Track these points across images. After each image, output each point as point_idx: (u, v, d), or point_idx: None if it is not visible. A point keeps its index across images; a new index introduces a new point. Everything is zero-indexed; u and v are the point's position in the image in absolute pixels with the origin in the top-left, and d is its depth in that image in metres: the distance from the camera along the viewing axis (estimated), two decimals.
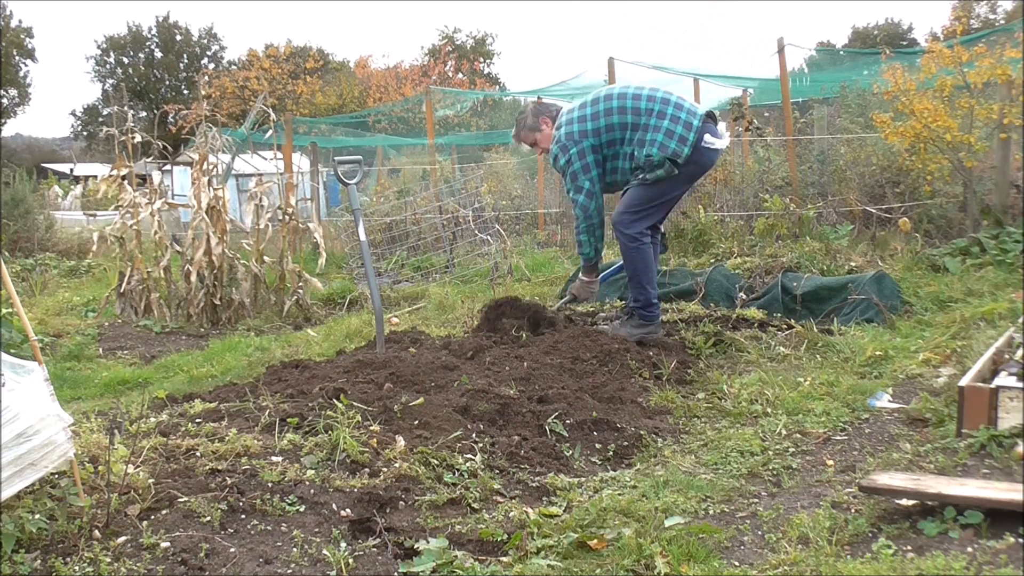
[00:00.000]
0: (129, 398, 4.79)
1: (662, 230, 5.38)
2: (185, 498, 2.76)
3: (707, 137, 4.86)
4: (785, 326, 5.29)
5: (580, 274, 5.40)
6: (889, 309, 5.33)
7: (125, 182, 7.90)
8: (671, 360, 4.66)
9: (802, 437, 3.62)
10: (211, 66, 44.09)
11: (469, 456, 3.35)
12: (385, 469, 3.12)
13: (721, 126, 5.11)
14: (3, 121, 41.99)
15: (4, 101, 40.90)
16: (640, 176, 4.91)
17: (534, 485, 3.23)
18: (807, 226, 7.81)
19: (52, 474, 2.66)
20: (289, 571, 2.48)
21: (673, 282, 6.43)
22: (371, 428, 3.41)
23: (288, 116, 14.54)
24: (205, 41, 45.71)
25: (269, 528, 2.68)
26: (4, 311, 6.30)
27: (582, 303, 5.95)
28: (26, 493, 2.60)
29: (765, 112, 16.10)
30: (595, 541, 2.68)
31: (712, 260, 7.33)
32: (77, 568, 2.41)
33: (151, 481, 2.86)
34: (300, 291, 7.73)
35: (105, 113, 42.13)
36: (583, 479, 3.32)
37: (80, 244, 11.60)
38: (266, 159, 10.49)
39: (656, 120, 4.85)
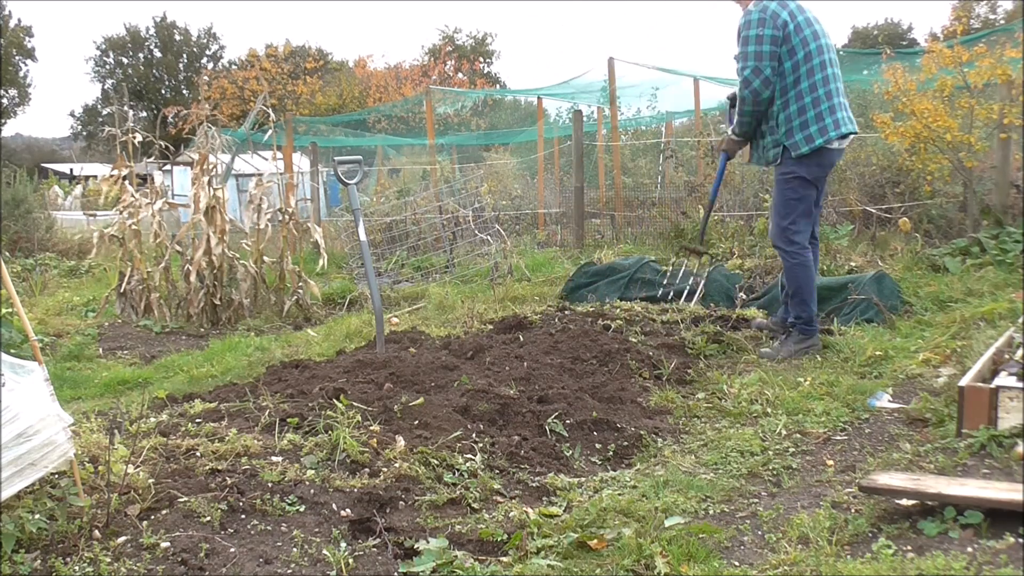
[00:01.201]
0: (129, 398, 4.79)
1: (817, 236, 5.07)
2: (185, 498, 2.76)
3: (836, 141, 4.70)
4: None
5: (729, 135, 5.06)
6: (889, 309, 5.33)
7: (126, 182, 7.91)
8: (671, 360, 4.66)
9: (802, 437, 3.62)
10: (210, 66, 44.11)
11: (469, 456, 3.35)
12: (385, 469, 3.12)
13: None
14: (3, 121, 42.00)
15: (4, 101, 40.89)
16: (769, 162, 4.80)
17: (534, 485, 3.23)
18: None
19: (52, 474, 2.66)
20: (289, 571, 2.49)
21: (673, 282, 6.44)
22: (371, 428, 3.42)
23: (288, 116, 14.55)
24: (204, 41, 45.70)
25: (269, 528, 2.68)
26: (4, 311, 6.31)
27: (586, 303, 5.95)
28: (26, 493, 2.60)
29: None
30: (595, 541, 2.68)
31: (712, 260, 7.33)
32: (77, 568, 2.41)
33: (151, 481, 2.86)
34: (300, 291, 7.74)
35: (105, 113, 42.16)
36: (583, 479, 3.32)
37: (80, 244, 11.60)
38: (266, 159, 10.50)
39: (823, 93, 4.64)
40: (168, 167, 18.58)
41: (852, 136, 4.82)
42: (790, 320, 4.90)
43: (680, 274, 6.53)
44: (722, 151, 5.29)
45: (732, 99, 5.06)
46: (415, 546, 2.67)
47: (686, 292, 6.28)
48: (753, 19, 4.64)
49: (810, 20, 4.71)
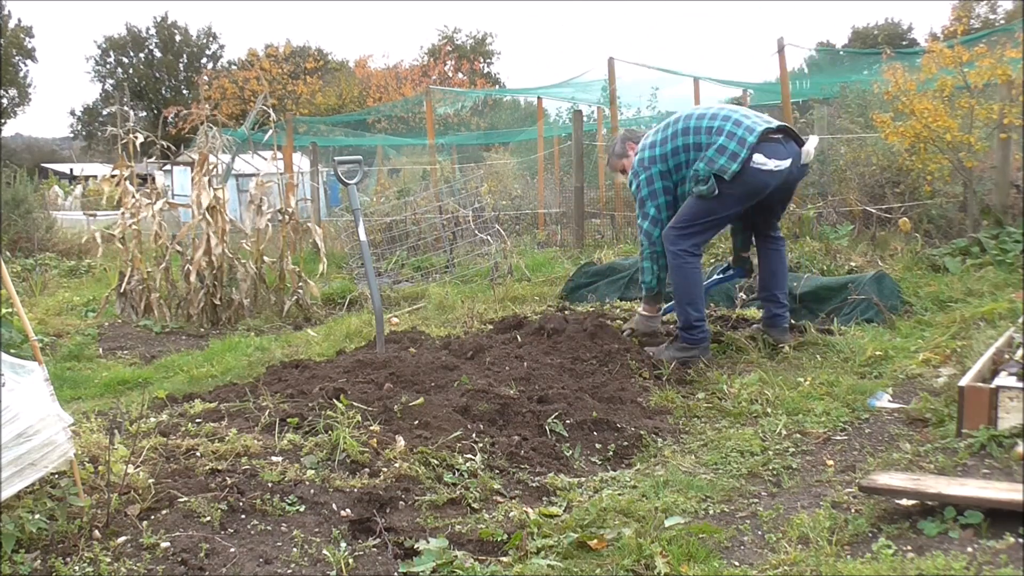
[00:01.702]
0: (129, 398, 4.79)
1: (776, 235, 5.07)
2: (185, 498, 2.76)
3: (756, 156, 4.55)
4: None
5: (641, 306, 5.13)
6: (889, 309, 5.33)
7: (127, 182, 7.91)
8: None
9: (802, 437, 3.62)
10: (210, 66, 44.11)
11: (469, 456, 3.35)
12: (385, 469, 3.12)
13: (810, 142, 4.78)
14: (3, 121, 42.01)
15: (4, 101, 40.90)
16: (691, 191, 4.76)
17: (534, 485, 3.23)
18: (807, 226, 7.81)
19: (52, 474, 2.66)
20: (289, 571, 2.48)
21: None
22: (371, 428, 3.42)
23: (288, 116, 14.55)
24: (204, 41, 45.72)
25: (269, 528, 2.68)
26: (4, 311, 6.31)
27: (585, 303, 5.95)
28: (26, 493, 2.60)
29: (765, 112, 16.07)
30: (595, 541, 2.68)
31: (712, 260, 7.33)
32: (77, 568, 2.41)
33: (151, 481, 2.87)
34: (300, 291, 7.74)
35: (105, 113, 42.16)
36: (583, 479, 3.32)
37: (80, 244, 11.60)
38: (266, 159, 10.50)
39: (715, 137, 4.65)
40: (168, 167, 18.58)
41: (797, 158, 4.70)
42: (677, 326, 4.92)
43: None
44: (628, 333, 5.12)
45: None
46: (415, 546, 2.67)
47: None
48: (630, 178, 5.00)
49: (666, 125, 4.92)
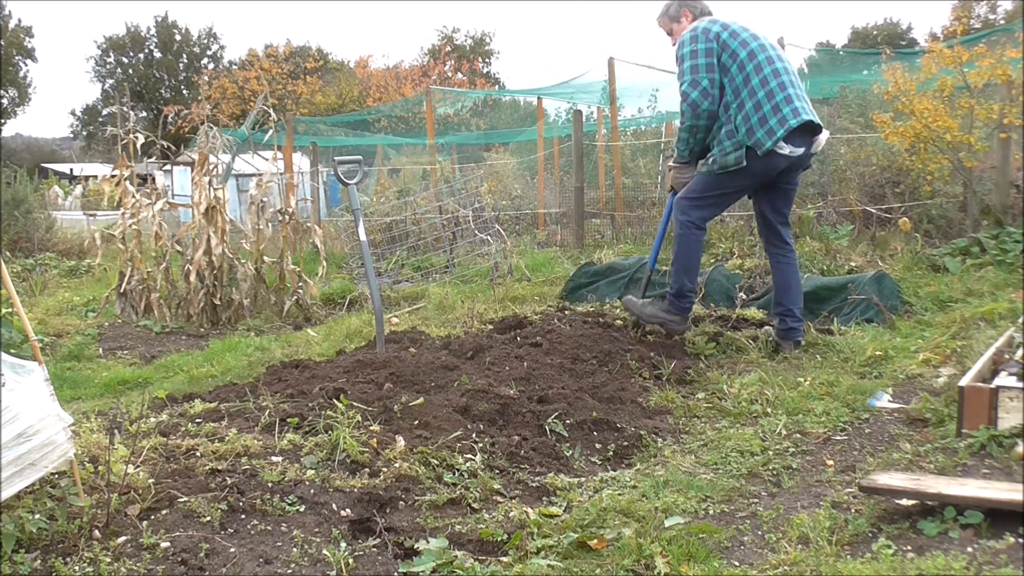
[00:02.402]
0: (129, 398, 4.79)
1: (789, 242, 5.03)
2: (185, 498, 2.76)
3: (782, 142, 4.56)
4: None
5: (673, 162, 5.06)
6: (889, 309, 5.33)
7: (127, 182, 7.91)
8: (671, 360, 4.66)
9: (802, 437, 3.62)
10: (210, 66, 44.11)
11: (469, 456, 3.35)
12: (385, 469, 3.12)
13: (824, 133, 4.76)
14: (3, 121, 42.01)
15: (4, 101, 40.90)
16: (711, 159, 4.68)
17: (534, 485, 3.23)
18: (807, 226, 7.81)
19: (52, 474, 2.66)
20: (289, 571, 2.48)
21: None
22: (371, 428, 3.42)
23: (288, 116, 14.55)
24: (205, 41, 45.72)
25: (269, 528, 2.68)
26: (4, 311, 6.31)
27: (584, 304, 5.94)
28: (26, 493, 2.60)
29: None
30: (595, 541, 2.68)
31: (712, 260, 7.33)
32: (77, 568, 2.41)
33: (151, 481, 2.86)
34: (300, 291, 7.74)
35: (105, 113, 42.14)
36: (583, 479, 3.32)
37: (80, 244, 11.60)
38: (266, 159, 10.50)
39: (764, 94, 4.53)
40: (168, 167, 18.58)
41: (810, 146, 4.68)
42: (667, 290, 4.94)
43: None
44: (669, 190, 5.16)
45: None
46: (415, 546, 2.67)
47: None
48: (685, 39, 4.74)
49: (744, 27, 4.76)
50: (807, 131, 4.67)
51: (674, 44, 4.97)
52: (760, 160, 4.57)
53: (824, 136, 4.77)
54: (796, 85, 4.70)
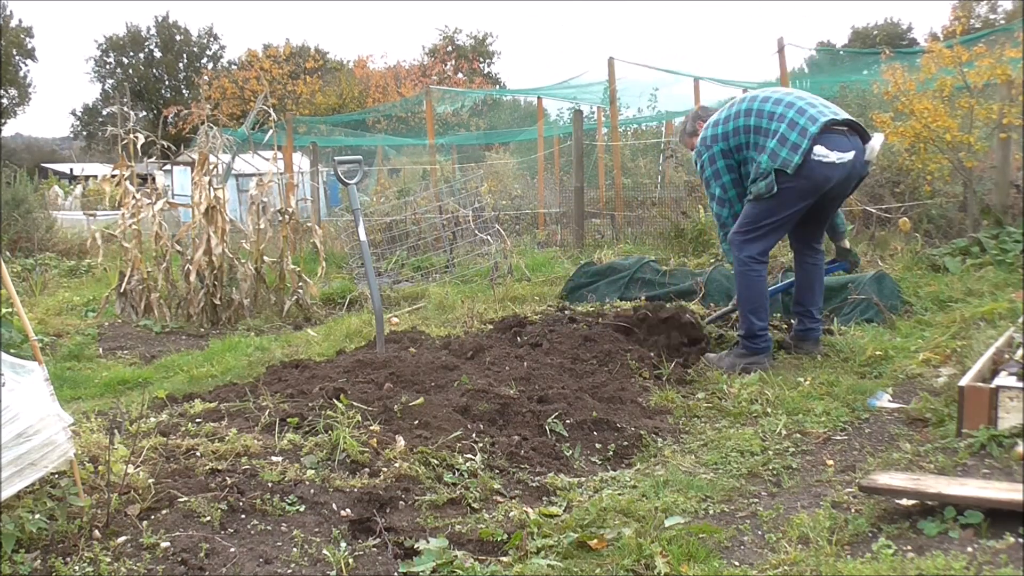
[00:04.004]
0: (129, 398, 4.79)
1: (819, 248, 4.91)
2: (185, 498, 2.76)
3: (818, 148, 4.35)
4: (785, 326, 5.28)
5: None
6: (889, 309, 5.33)
7: (127, 182, 7.91)
8: (671, 360, 4.66)
9: (802, 437, 3.62)
10: (210, 66, 44.11)
11: (469, 456, 3.35)
12: (385, 469, 3.12)
13: (875, 138, 4.58)
14: (3, 121, 42.01)
15: (4, 101, 40.90)
16: (749, 190, 4.59)
17: (534, 485, 3.23)
18: None
19: (52, 474, 2.66)
20: (289, 571, 2.48)
21: (673, 282, 6.44)
22: (371, 428, 3.42)
23: (288, 116, 14.55)
24: (204, 41, 45.72)
25: (269, 528, 2.68)
26: (4, 311, 6.31)
27: (587, 304, 5.93)
28: (26, 493, 2.60)
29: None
30: (595, 541, 2.68)
31: (712, 260, 7.33)
32: (77, 568, 2.41)
33: (151, 481, 2.86)
34: (300, 291, 7.74)
35: (105, 113, 42.15)
36: (583, 479, 3.32)
37: (80, 244, 11.61)
38: (266, 159, 10.51)
39: (776, 124, 4.46)
40: (168, 167, 18.58)
41: (859, 149, 4.50)
42: (738, 333, 4.76)
43: (680, 274, 6.53)
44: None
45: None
46: (415, 546, 2.67)
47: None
48: (694, 158, 4.88)
49: (732, 104, 4.77)
50: (847, 134, 4.49)
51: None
52: (799, 178, 4.39)
53: (877, 140, 4.58)
54: (808, 99, 4.57)
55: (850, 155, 4.44)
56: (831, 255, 5.20)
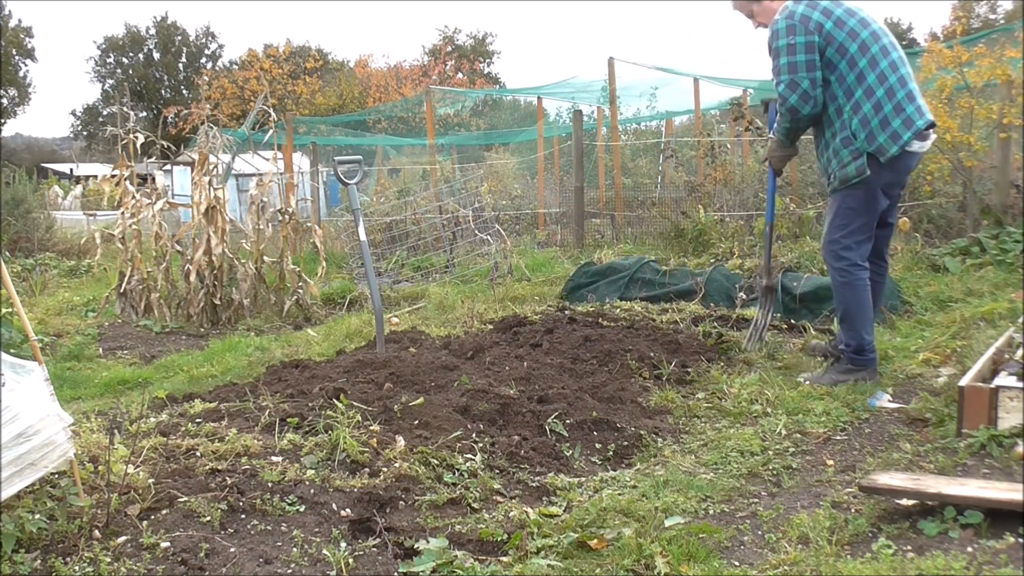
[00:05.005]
0: (129, 398, 4.79)
1: (885, 257, 4.45)
2: (185, 498, 2.76)
3: (916, 143, 4.04)
4: (785, 326, 5.29)
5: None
6: (889, 309, 5.33)
7: (127, 182, 7.91)
8: (671, 360, 4.66)
9: (802, 437, 3.62)
10: (210, 66, 44.10)
11: (469, 456, 3.35)
12: (385, 469, 3.12)
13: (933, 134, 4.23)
14: (3, 121, 42.01)
15: (4, 101, 40.90)
16: (832, 177, 4.14)
17: (534, 485, 3.23)
18: (807, 226, 7.82)
19: (52, 474, 2.66)
20: (289, 571, 2.48)
21: (673, 282, 6.45)
22: (371, 428, 3.42)
23: (288, 116, 14.55)
24: (204, 41, 45.71)
25: (269, 528, 2.68)
26: (4, 311, 6.30)
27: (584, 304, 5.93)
28: (26, 493, 2.60)
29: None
30: (595, 541, 2.68)
31: (712, 260, 7.34)
32: (77, 568, 2.41)
33: (151, 481, 2.87)
34: (300, 291, 7.74)
35: (105, 113, 42.16)
36: (583, 479, 3.32)
37: (80, 244, 11.60)
38: (266, 159, 10.53)
39: (883, 95, 3.98)
40: (168, 167, 18.58)
41: (931, 137, 4.18)
42: (839, 346, 4.36)
43: (680, 274, 6.53)
44: (769, 167, 4.70)
45: (765, 103, 4.70)
46: (415, 546, 2.67)
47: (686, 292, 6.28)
48: (780, 28, 4.11)
49: (851, 10, 4.12)
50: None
51: (756, 27, 4.43)
52: (887, 167, 4.03)
53: (934, 134, 4.28)
54: (912, 78, 4.16)
55: (928, 143, 4.15)
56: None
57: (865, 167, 4.01)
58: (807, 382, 4.24)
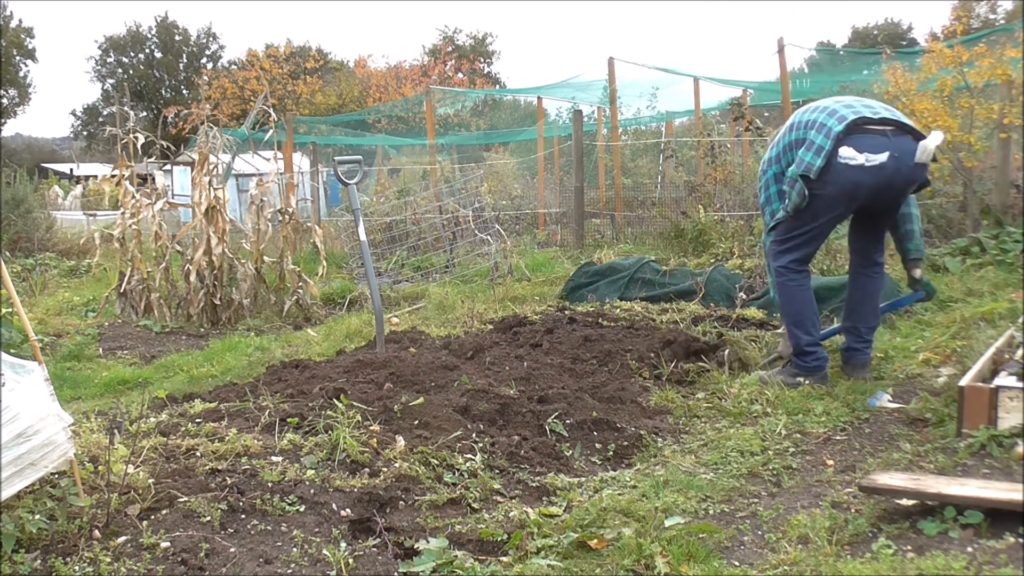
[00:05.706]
0: (129, 398, 4.79)
1: (879, 261, 4.44)
2: (185, 498, 2.76)
3: (843, 150, 3.92)
4: (772, 326, 5.29)
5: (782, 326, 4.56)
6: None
7: (127, 182, 7.91)
8: (671, 360, 4.66)
9: (802, 437, 3.62)
10: (210, 66, 44.10)
11: (469, 456, 3.35)
12: (385, 469, 3.12)
13: (931, 137, 3.95)
14: (3, 121, 42.01)
15: (4, 101, 40.89)
16: (785, 207, 4.21)
17: (534, 485, 3.23)
18: None
19: (52, 474, 2.66)
20: (289, 571, 2.48)
21: (673, 282, 6.45)
22: (371, 428, 3.42)
23: (288, 116, 14.55)
24: (204, 41, 45.71)
25: (269, 528, 2.68)
26: (4, 311, 6.31)
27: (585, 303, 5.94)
28: (26, 493, 2.60)
29: (765, 112, 16.12)
30: (595, 541, 2.68)
31: (712, 260, 7.34)
32: (77, 568, 2.41)
33: (151, 481, 2.87)
34: (300, 291, 7.74)
35: (105, 113, 42.16)
36: (583, 479, 3.32)
37: (80, 244, 11.61)
38: (267, 159, 10.53)
39: (809, 132, 4.08)
40: (168, 167, 18.58)
41: (886, 155, 3.92)
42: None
43: (680, 274, 6.53)
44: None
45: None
46: (415, 546, 2.67)
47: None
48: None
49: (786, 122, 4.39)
50: (897, 135, 3.98)
51: None
52: (825, 183, 3.97)
53: (932, 140, 3.96)
54: (850, 102, 4.17)
55: (882, 157, 3.91)
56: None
57: (804, 191, 4.04)
58: (760, 381, 4.27)
